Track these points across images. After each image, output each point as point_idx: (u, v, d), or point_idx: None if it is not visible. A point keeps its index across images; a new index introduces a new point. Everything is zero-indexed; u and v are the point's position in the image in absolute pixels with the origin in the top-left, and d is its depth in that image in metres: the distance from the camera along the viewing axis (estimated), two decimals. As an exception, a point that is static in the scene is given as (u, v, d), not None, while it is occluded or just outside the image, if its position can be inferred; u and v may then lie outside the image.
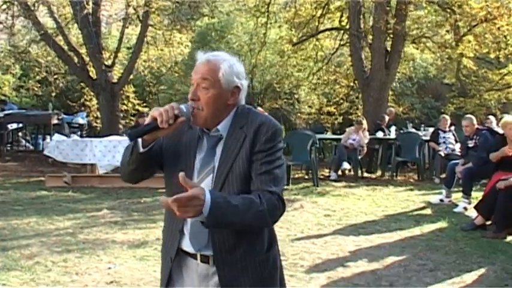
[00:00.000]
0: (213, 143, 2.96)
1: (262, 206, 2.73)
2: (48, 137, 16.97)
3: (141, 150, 2.87)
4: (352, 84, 22.42)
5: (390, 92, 20.63)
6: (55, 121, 18.77)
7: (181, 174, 2.55)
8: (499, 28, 17.70)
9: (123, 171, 3.09)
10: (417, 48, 21.60)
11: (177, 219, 2.93)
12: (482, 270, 7.03)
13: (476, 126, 11.73)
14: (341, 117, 23.75)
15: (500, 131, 10.06)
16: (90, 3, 18.08)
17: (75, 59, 18.81)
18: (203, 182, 2.89)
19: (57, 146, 13.88)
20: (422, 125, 18.83)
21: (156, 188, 12.08)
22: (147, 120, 2.83)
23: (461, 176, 11.12)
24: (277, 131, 2.94)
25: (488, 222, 9.22)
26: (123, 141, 13.73)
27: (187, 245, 2.95)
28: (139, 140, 2.87)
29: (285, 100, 24.54)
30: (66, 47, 18.79)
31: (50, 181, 13.49)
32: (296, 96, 24.88)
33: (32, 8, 18.01)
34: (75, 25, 19.27)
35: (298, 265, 7.14)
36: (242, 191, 2.81)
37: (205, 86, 2.90)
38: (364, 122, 15.60)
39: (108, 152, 13.50)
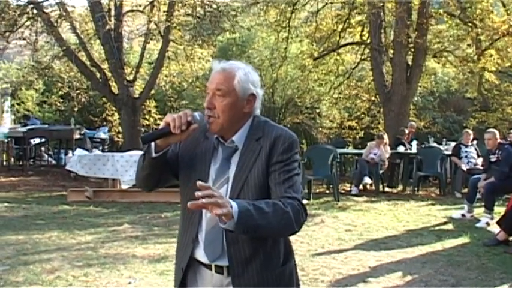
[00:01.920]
0: (228, 153, 2.98)
1: (287, 208, 2.73)
2: (70, 151, 17.10)
3: (154, 155, 2.89)
4: (373, 98, 22.39)
5: (411, 106, 20.57)
6: (77, 136, 18.88)
7: (199, 182, 2.54)
8: (520, 42, 17.64)
9: (137, 177, 3.12)
10: (438, 63, 21.55)
11: (191, 228, 2.98)
12: (505, 287, 6.96)
13: (498, 140, 11.63)
14: (362, 132, 23.71)
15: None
16: (112, 19, 18.25)
17: (97, 74, 18.96)
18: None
19: (79, 161, 13.94)
20: (444, 139, 18.75)
21: (176, 203, 12.02)
22: (161, 125, 2.86)
23: (483, 191, 11.01)
24: (293, 141, 2.96)
25: (511, 238, 9.13)
26: (145, 156, 13.75)
27: (201, 255, 2.95)
28: (152, 144, 2.89)
29: (306, 115, 24.53)
30: (88, 63, 18.95)
31: (71, 196, 13.55)
32: (317, 110, 24.87)
33: (55, 24, 18.21)
34: (98, 41, 19.40)
35: (318, 280, 7.10)
36: None
37: (221, 94, 2.92)
38: (385, 136, 15.56)
39: (130, 167, 13.52)
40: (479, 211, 11.39)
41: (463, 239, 9.58)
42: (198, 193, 2.46)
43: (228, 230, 2.70)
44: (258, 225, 2.63)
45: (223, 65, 3.00)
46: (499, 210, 10.58)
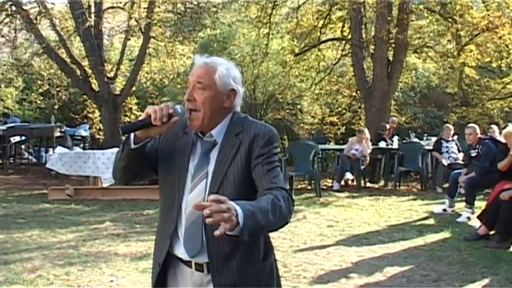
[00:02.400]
0: (206, 148, 2.97)
1: (280, 202, 2.71)
2: (51, 149, 17.00)
3: (132, 146, 2.88)
4: (354, 94, 22.43)
5: (393, 102, 20.64)
6: (58, 134, 18.77)
7: (195, 204, 2.49)
8: (500, 37, 17.72)
9: (114, 168, 3.10)
10: (419, 58, 21.60)
11: (170, 223, 2.97)
12: (485, 281, 6.99)
13: (479, 135, 11.68)
14: (344, 128, 23.73)
15: (503, 140, 10.02)
16: (92, 15, 18.16)
17: (78, 72, 18.89)
18: (197, 187, 2.91)
19: (59, 159, 13.88)
20: (425, 135, 18.84)
21: (158, 200, 12.04)
22: (142, 116, 2.84)
23: (464, 186, 11.07)
24: (273, 135, 2.97)
25: (492, 232, 9.17)
26: (126, 153, 13.71)
27: (181, 252, 2.94)
28: (132, 135, 2.88)
29: (288, 111, 24.52)
30: (68, 60, 18.83)
31: (52, 194, 13.47)
32: (299, 106, 24.87)
33: (35, 21, 18.09)
34: (78, 38, 19.33)
35: (301, 276, 7.11)
36: (236, 197, 2.69)
37: (201, 87, 2.92)
38: (366, 131, 15.60)
39: (111, 165, 13.31)
40: (460, 206, 11.44)
41: (445, 234, 9.62)
42: (206, 211, 2.36)
43: (229, 235, 2.56)
44: (262, 226, 2.59)
45: (206, 59, 3.01)
46: (480, 204, 10.64)
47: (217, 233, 2.39)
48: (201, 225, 2.84)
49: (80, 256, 8.07)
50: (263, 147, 2.90)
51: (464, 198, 11.08)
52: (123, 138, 2.92)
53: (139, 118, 2.86)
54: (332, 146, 20.54)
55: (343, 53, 21.05)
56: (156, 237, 3.12)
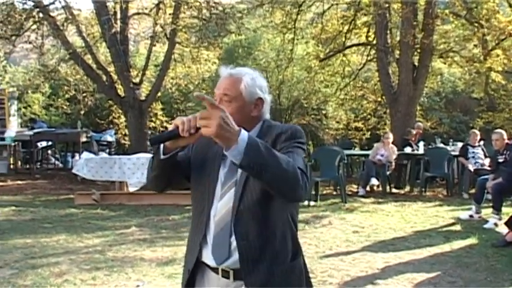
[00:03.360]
0: None
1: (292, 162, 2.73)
2: (77, 154, 17.11)
3: (162, 157, 2.89)
4: (379, 99, 22.37)
5: (418, 107, 20.53)
6: (84, 139, 18.87)
7: (196, 93, 2.64)
8: (527, 41, 17.60)
9: (147, 178, 3.17)
10: (445, 63, 21.49)
11: (199, 230, 2.99)
12: (514, 288, 6.94)
13: (506, 140, 11.60)
14: (369, 133, 23.69)
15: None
16: (118, 22, 18.26)
17: (104, 77, 19.00)
18: (226, 195, 2.93)
19: (85, 164, 13.97)
20: (451, 140, 18.71)
21: (184, 205, 12.11)
22: (170, 127, 2.85)
23: (491, 192, 10.99)
24: (296, 130, 3.01)
25: (520, 239, 9.11)
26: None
27: (208, 258, 2.96)
28: (161, 146, 2.90)
29: (313, 116, 24.48)
30: (94, 66, 18.95)
31: (79, 199, 13.56)
32: (324, 112, 24.81)
33: (61, 28, 18.24)
34: (104, 44, 19.45)
35: (327, 282, 7.09)
36: (265, 204, 2.83)
37: (228, 100, 2.96)
38: (390, 135, 15.55)
39: (137, 170, 13.56)
40: (487, 212, 11.33)
41: (471, 240, 9.55)
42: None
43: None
44: (267, 163, 2.60)
45: (231, 70, 3.04)
46: (507, 210, 10.59)
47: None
48: (229, 233, 2.89)
49: (106, 261, 8.11)
50: (285, 141, 2.93)
51: (491, 204, 10.97)
52: (152, 148, 2.98)
53: (169, 129, 2.87)
54: (357, 151, 20.48)
55: (368, 58, 20.98)
56: (188, 243, 3.14)
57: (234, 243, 2.89)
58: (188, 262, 3.08)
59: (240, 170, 2.88)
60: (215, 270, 2.97)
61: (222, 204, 2.94)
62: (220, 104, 2.89)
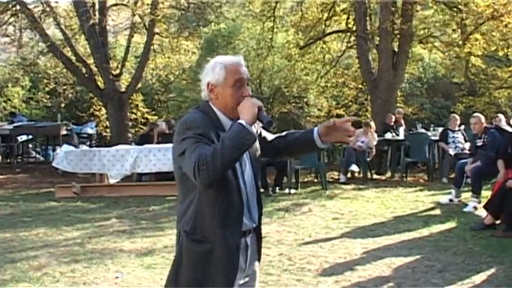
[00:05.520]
0: None
1: None
2: (58, 148, 17.02)
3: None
4: (360, 86, 22.35)
5: (399, 93, 20.55)
6: (64, 132, 18.77)
7: None
8: (506, 25, 17.57)
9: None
10: (424, 48, 21.51)
11: (238, 204, 3.36)
12: (491, 270, 6.96)
13: (484, 124, 11.62)
14: (350, 120, 23.62)
15: (509, 129, 9.99)
16: (97, 13, 18.17)
17: (83, 70, 18.89)
18: (246, 168, 3.46)
19: (65, 157, 13.90)
20: (432, 125, 18.73)
21: (164, 196, 12.12)
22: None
23: (470, 175, 11.04)
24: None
25: (498, 222, 9.13)
26: (131, 149, 13.77)
27: (247, 223, 3.43)
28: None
29: (294, 104, 24.41)
30: (74, 58, 18.84)
31: (59, 192, 13.54)
32: (305, 99, 24.74)
33: (39, 20, 18.11)
34: (83, 36, 19.34)
35: (305, 269, 7.12)
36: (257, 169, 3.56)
37: (247, 83, 3.47)
38: (372, 123, 15.57)
39: (116, 161, 13.51)
40: (466, 196, 11.39)
41: (450, 224, 9.60)
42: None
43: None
44: None
45: (241, 56, 3.51)
46: (487, 194, 10.58)
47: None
48: (256, 196, 3.50)
49: (85, 253, 8.12)
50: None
51: (470, 188, 11.03)
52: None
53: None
54: (338, 138, 20.45)
55: (349, 45, 20.94)
56: (217, 228, 3.32)
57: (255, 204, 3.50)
58: (229, 238, 3.32)
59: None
60: (249, 231, 3.47)
61: (247, 176, 3.43)
62: (247, 87, 3.44)
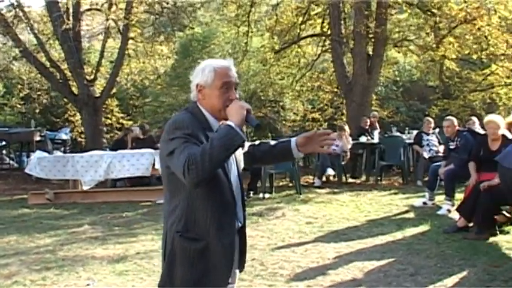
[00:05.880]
0: None
1: None
2: (32, 154, 16.90)
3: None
4: (335, 90, 22.40)
5: (374, 96, 20.65)
6: (38, 138, 18.65)
7: None
8: (479, 28, 17.74)
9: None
10: (399, 52, 21.62)
11: (229, 205, 3.47)
12: (463, 273, 6.95)
13: (457, 127, 11.68)
14: (326, 124, 23.73)
15: (481, 132, 10.04)
16: (71, 18, 18.05)
17: (57, 75, 18.74)
18: (232, 168, 3.54)
19: (38, 163, 13.77)
20: (407, 128, 18.82)
21: (138, 202, 12.05)
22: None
23: (443, 178, 11.08)
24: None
25: (471, 224, 9.16)
26: (105, 155, 13.69)
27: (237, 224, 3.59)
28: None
29: (270, 108, 24.50)
30: (48, 63, 18.69)
31: (32, 198, 13.44)
32: (281, 103, 24.84)
33: (11, 25, 17.96)
34: (57, 41, 19.20)
35: (277, 274, 7.08)
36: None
37: (236, 88, 3.53)
38: (347, 127, 15.61)
39: (90, 167, 13.42)
40: (440, 198, 11.41)
41: (424, 227, 9.60)
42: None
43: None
44: None
45: (230, 60, 3.58)
46: (460, 196, 10.60)
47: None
48: (241, 196, 3.62)
49: (57, 260, 8.02)
50: None
51: (444, 191, 11.08)
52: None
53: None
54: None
55: (323, 49, 21.04)
56: (211, 225, 3.39)
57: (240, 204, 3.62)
58: (223, 235, 3.41)
59: None
60: (237, 231, 3.58)
61: (233, 176, 3.52)
62: (234, 90, 3.49)
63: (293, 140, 3.70)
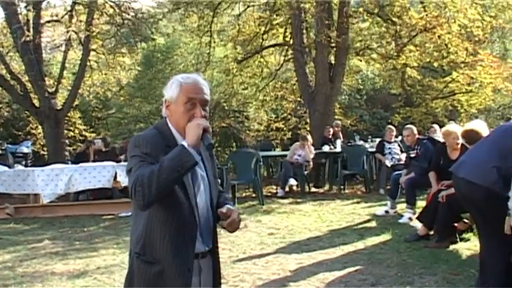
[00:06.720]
0: (200, 156, 3.42)
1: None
2: (-8, 168, 16.66)
3: None
4: (299, 99, 22.45)
5: (337, 105, 20.72)
6: (-2, 152, 18.44)
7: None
8: (439, 37, 17.94)
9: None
10: (361, 60, 21.74)
11: (191, 227, 3.31)
12: (424, 282, 6.99)
13: (417, 135, 11.78)
14: (290, 133, 23.77)
15: (442, 140, 10.12)
16: (31, 30, 17.88)
17: (18, 87, 18.53)
18: (200, 190, 3.38)
19: (-3, 178, 13.59)
20: (370, 137, 18.92)
21: (100, 215, 11.94)
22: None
23: (404, 187, 11.15)
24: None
25: (432, 232, 9.22)
26: (66, 169, 13.56)
27: (200, 247, 3.37)
28: None
29: (234, 118, 24.48)
30: (8, 76, 18.48)
31: (-8, 214, 13.24)
32: (245, 113, 24.84)
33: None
34: (18, 53, 19.01)
35: (238, 287, 7.04)
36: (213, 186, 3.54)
37: (207, 105, 3.41)
38: (309, 137, 15.64)
39: (50, 181, 13.27)
40: (402, 207, 11.48)
41: (385, 236, 9.64)
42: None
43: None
44: None
45: (200, 76, 3.47)
46: (422, 205, 10.67)
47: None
48: (212, 219, 3.46)
49: (15, 277, 7.90)
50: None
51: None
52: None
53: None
54: (277, 152, 20.50)
55: (286, 58, 21.10)
56: (168, 250, 3.29)
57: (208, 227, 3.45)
58: (183, 262, 3.28)
59: (202, 168, 3.45)
60: (204, 254, 3.42)
61: (200, 199, 3.37)
62: (200, 108, 3.34)
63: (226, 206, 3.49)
